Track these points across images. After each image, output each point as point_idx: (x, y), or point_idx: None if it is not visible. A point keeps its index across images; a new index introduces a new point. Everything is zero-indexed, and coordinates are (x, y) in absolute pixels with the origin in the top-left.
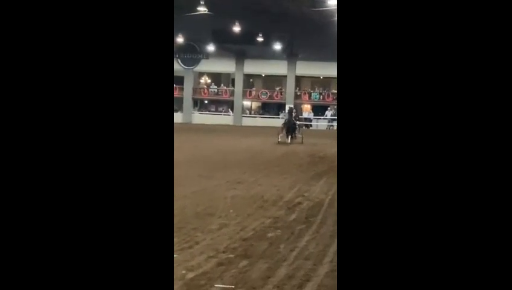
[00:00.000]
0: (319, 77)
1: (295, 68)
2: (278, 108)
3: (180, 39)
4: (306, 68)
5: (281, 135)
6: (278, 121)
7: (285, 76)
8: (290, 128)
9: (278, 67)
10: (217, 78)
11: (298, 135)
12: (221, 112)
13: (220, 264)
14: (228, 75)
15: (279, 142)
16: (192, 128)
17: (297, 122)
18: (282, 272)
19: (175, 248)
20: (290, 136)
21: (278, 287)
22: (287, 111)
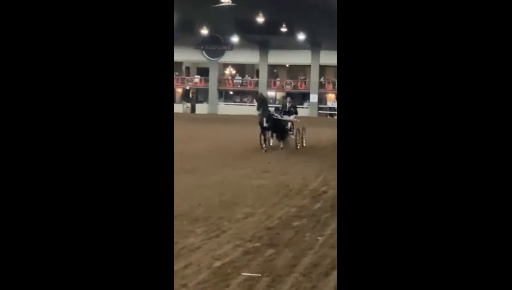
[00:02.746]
0: None
1: (319, 58)
2: (303, 97)
3: (204, 31)
4: (330, 57)
5: (265, 137)
6: (302, 111)
7: (309, 66)
8: (271, 127)
9: (301, 57)
10: (241, 69)
11: (292, 136)
12: (246, 102)
13: (246, 253)
14: (252, 66)
15: (263, 148)
16: (218, 119)
17: (289, 118)
18: (307, 260)
19: (203, 237)
20: (277, 139)
21: (304, 275)
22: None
